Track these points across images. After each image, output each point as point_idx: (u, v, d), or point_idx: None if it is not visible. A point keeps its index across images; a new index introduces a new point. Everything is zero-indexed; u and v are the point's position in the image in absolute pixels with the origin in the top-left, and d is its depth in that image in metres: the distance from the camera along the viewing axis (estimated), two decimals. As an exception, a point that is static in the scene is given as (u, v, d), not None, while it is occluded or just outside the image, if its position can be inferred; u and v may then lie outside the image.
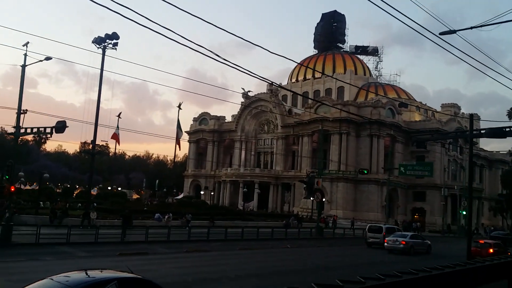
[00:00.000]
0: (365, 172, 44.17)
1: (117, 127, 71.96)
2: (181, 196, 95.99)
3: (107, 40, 41.02)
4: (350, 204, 75.34)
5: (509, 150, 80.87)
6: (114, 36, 41.17)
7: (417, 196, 78.15)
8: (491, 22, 15.04)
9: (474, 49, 17.55)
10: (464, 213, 61.23)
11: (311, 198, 60.92)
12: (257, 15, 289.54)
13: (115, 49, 41.73)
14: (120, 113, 78.27)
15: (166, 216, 37.68)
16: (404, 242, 29.15)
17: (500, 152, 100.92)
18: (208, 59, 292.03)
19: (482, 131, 13.25)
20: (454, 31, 15.59)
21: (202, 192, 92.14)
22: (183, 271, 17.84)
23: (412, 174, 45.00)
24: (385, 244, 30.23)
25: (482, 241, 30.66)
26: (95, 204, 42.01)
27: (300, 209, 71.55)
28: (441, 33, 15.71)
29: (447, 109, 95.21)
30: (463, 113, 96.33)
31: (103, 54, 40.95)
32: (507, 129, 12.02)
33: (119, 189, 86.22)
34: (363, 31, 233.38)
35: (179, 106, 72.56)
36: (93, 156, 40.57)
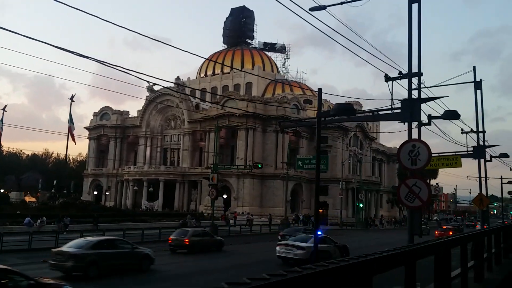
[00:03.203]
0: (259, 166, 43.18)
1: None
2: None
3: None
4: (256, 200, 74.81)
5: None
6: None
7: (320, 190, 79.63)
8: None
9: (380, 51, 16.83)
10: (361, 205, 63.30)
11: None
12: (171, 9, 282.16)
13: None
14: (5, 106, 70.14)
15: (39, 221, 33.21)
16: None
17: (398, 147, 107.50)
18: (121, 52, 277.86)
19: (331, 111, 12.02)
20: (324, 7, 14.35)
21: (95, 193, 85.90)
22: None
23: (309, 168, 44.57)
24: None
25: (444, 227, 42.72)
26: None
27: (205, 207, 69.30)
28: (310, 9, 14.36)
29: (365, 114, 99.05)
30: (364, 109, 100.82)
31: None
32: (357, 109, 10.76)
33: (1, 191, 77.21)
34: (279, 30, 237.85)
35: (71, 99, 66.67)
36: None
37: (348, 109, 10.90)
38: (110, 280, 16.66)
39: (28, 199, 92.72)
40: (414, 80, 12.95)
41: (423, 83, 12.62)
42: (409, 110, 11.89)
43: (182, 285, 16.30)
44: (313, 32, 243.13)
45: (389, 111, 12.34)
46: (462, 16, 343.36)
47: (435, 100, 15.30)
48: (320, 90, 13.07)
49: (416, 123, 12.94)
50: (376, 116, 12.76)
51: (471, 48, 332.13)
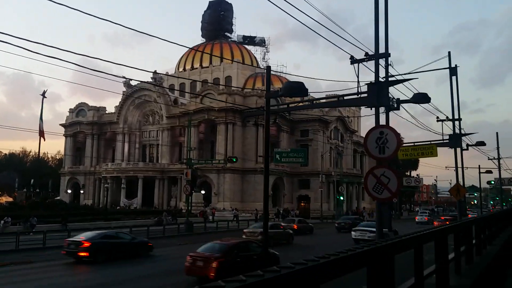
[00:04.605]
0: (234, 160, 42.05)
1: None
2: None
3: None
4: (237, 195, 73.75)
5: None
6: None
7: (302, 184, 79.25)
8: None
9: (362, 45, 15.86)
10: (342, 198, 62.80)
11: (195, 192, 58.15)
12: (148, 3, 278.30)
13: None
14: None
15: (2, 221, 31.56)
16: (426, 218, 55.79)
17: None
18: (100, 48, 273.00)
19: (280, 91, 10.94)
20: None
21: (69, 191, 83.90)
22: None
23: (288, 161, 43.81)
24: (416, 219, 57.93)
25: (443, 218, 51.85)
26: None
27: (184, 204, 67.89)
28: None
29: (330, 100, 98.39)
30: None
31: None
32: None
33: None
34: (259, 24, 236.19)
35: (43, 95, 64.49)
36: None
37: (298, 88, 9.81)
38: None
39: (5, 199, 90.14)
40: (382, 63, 12.02)
41: (391, 65, 11.66)
42: (376, 94, 10.94)
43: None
44: (295, 27, 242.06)
45: (355, 96, 11.36)
46: (442, 9, 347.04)
47: (406, 85, 14.36)
48: (268, 67, 11.92)
49: (385, 108, 12.05)
50: (342, 101, 11.78)
51: (450, 41, 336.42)
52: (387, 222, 11.39)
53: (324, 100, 39.55)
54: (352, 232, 29.30)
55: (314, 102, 13.16)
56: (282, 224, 35.03)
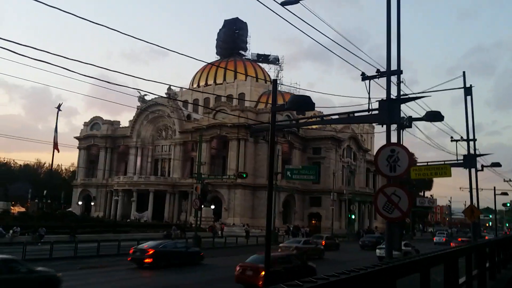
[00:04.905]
0: (244, 176, 41.94)
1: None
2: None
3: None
4: (247, 211, 73.33)
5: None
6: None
7: (313, 202, 78.51)
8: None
9: (376, 63, 15.83)
10: (353, 216, 61.92)
11: (205, 206, 57.95)
12: (164, 21, 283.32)
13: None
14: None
15: (11, 231, 31.69)
16: (444, 239, 56.72)
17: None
18: (117, 64, 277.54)
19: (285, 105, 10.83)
20: (297, 1, 13.33)
21: (79, 203, 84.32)
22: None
23: (299, 178, 43.83)
24: (434, 240, 58.62)
25: (460, 239, 52.96)
26: None
27: (194, 218, 67.71)
28: (282, 3, 13.32)
29: (341, 116, 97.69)
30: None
31: None
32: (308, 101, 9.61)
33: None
34: (274, 43, 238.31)
35: (58, 108, 65.38)
36: None
37: (304, 101, 9.65)
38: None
39: (17, 209, 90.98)
40: (394, 80, 11.86)
41: (403, 82, 11.49)
42: (387, 111, 10.75)
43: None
44: (310, 46, 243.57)
45: (366, 113, 11.20)
46: (457, 31, 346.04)
47: (420, 105, 14.12)
48: (275, 80, 11.86)
49: (397, 126, 11.83)
50: (352, 117, 11.64)
51: (465, 63, 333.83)
52: (397, 242, 11.08)
53: (335, 117, 39.30)
54: (377, 250, 30.01)
55: (324, 118, 13.04)
56: (311, 240, 36.61)
